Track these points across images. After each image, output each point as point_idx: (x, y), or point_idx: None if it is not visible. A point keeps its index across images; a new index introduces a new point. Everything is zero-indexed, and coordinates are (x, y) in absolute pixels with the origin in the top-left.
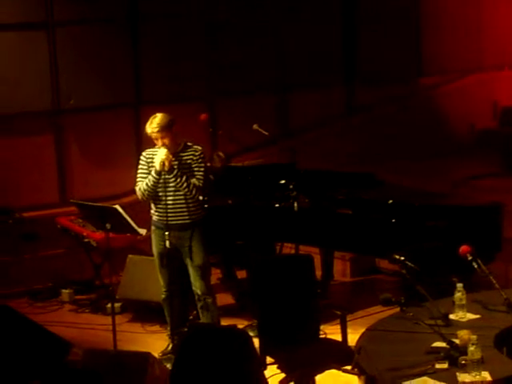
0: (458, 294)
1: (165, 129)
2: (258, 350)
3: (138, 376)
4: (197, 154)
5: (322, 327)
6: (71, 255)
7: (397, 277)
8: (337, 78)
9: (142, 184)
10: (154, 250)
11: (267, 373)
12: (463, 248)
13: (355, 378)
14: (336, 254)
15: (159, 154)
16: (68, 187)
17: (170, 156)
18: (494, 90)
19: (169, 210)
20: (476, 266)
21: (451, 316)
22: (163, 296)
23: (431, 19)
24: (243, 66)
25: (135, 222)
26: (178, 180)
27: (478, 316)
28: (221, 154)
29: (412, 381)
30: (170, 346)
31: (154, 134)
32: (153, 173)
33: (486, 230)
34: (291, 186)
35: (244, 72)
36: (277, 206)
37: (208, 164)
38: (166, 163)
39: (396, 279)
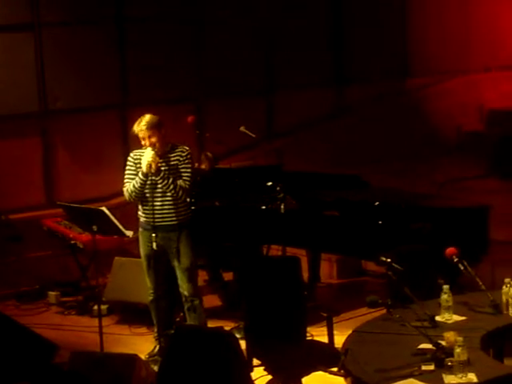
0: (444, 296)
1: (153, 128)
2: (244, 351)
3: (125, 378)
4: (183, 154)
5: (308, 329)
6: (58, 257)
7: (383, 279)
8: (324, 79)
9: (130, 185)
10: (141, 251)
11: (254, 375)
12: (449, 250)
13: (342, 379)
14: (323, 256)
15: (146, 156)
16: (54, 189)
17: (157, 158)
18: (480, 91)
19: (156, 212)
20: (462, 268)
21: (437, 318)
22: (150, 298)
23: (418, 20)
24: (230, 67)
25: (122, 224)
26: (165, 182)
27: (464, 318)
28: (209, 154)
29: (398, 382)
30: (157, 347)
31: (142, 133)
32: (140, 175)
33: (473, 231)
34: (278, 188)
35: (231, 74)
36: (263, 207)
37: (196, 165)
38: (153, 165)
39: (382, 281)
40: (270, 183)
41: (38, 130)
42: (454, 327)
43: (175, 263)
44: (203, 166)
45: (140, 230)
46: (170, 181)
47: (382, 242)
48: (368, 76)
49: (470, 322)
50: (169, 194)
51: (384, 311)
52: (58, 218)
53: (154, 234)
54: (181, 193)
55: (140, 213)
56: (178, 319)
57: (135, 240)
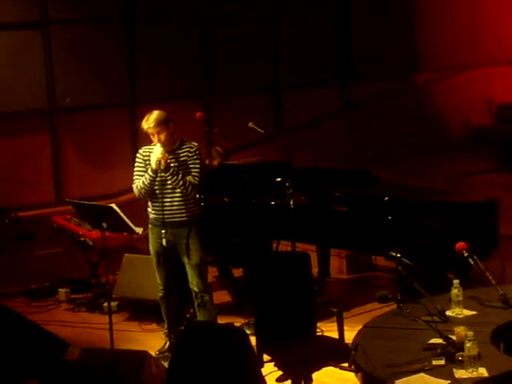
0: (454, 291)
1: (161, 124)
2: (254, 347)
3: (135, 375)
4: (192, 150)
5: (318, 324)
6: (67, 254)
7: (393, 274)
8: (332, 75)
9: (139, 182)
10: (151, 248)
11: (264, 370)
12: (459, 244)
13: (352, 375)
14: (332, 252)
15: (155, 153)
16: (64, 186)
17: (166, 154)
18: (489, 86)
19: (165, 208)
20: (472, 263)
21: (448, 312)
22: (160, 294)
23: (426, 15)
24: (238, 64)
25: (132, 221)
26: (175, 178)
27: (474, 312)
28: (219, 148)
29: (409, 377)
30: (167, 344)
31: (150, 130)
32: (149, 171)
33: (482, 226)
34: (287, 184)
35: (239, 70)
36: (273, 203)
37: (207, 161)
38: (162, 162)
39: (392, 276)
40: (279, 179)
41: (47, 127)
42: (465, 322)
43: (185, 259)
44: (215, 162)
45: (150, 226)
46: (180, 177)
47: (391, 237)
48: (376, 72)
49: (480, 316)
50: (178, 190)
51: (394, 306)
52: (68, 215)
53: (163, 231)
54: (190, 189)
55: (149, 209)
56: (188, 315)
57: (145, 237)
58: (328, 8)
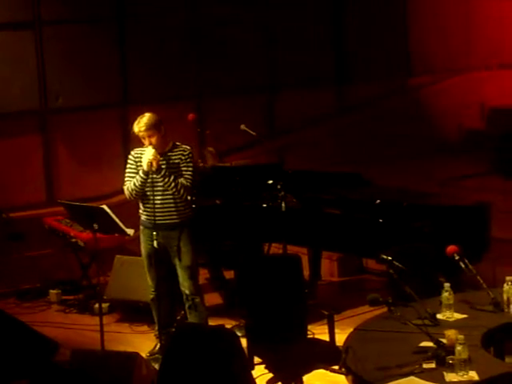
0: (445, 294)
1: (152, 128)
2: (245, 349)
3: (126, 376)
4: (185, 153)
5: (309, 327)
6: (59, 255)
7: (384, 277)
8: (326, 77)
9: (130, 183)
10: (142, 249)
11: (255, 373)
12: (450, 248)
13: (343, 377)
14: (324, 254)
15: (146, 154)
16: (55, 187)
17: (158, 156)
18: (482, 90)
19: (157, 210)
20: (463, 266)
21: (438, 316)
22: (151, 296)
23: (419, 19)
24: (232, 65)
25: (123, 223)
26: (166, 180)
27: (465, 316)
28: (211, 149)
29: (399, 380)
30: (158, 346)
31: (141, 133)
32: (140, 173)
33: (474, 229)
34: (279, 186)
35: (233, 72)
36: (264, 206)
37: (200, 162)
38: (154, 163)
39: (383, 279)
40: (270, 181)
41: (39, 127)
42: (455, 325)
43: (176, 261)
44: (209, 163)
45: (141, 228)
46: (172, 179)
47: (383, 240)
48: (370, 75)
49: (470, 319)
50: (169, 192)
51: (385, 309)
52: (59, 216)
53: (154, 232)
54: (182, 191)
55: (141, 211)
56: (178, 317)
57: (136, 238)
58: (323, 10)
